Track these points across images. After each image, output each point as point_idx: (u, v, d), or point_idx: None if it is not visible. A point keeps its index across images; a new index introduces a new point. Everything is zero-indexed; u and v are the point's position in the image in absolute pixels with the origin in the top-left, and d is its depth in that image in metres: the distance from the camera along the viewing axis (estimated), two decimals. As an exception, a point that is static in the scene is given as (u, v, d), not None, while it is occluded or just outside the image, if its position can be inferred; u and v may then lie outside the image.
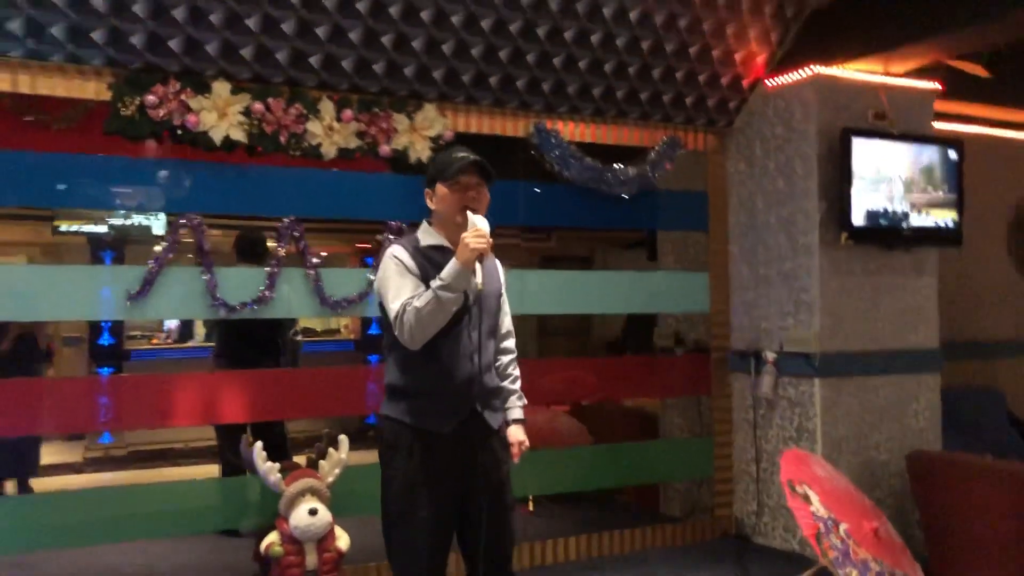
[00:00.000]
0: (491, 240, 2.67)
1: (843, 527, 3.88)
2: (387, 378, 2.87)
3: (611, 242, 11.73)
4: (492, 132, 4.89)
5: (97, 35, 3.86)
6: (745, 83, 5.25)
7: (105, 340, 9.26)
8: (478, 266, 2.61)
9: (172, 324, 10.54)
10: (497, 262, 3.06)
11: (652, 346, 6.16)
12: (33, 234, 9.25)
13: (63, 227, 8.80)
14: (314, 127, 4.36)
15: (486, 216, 2.76)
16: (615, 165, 5.12)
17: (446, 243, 2.82)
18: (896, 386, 5.15)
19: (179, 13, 3.91)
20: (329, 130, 4.39)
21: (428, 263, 2.77)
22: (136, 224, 8.46)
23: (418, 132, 4.61)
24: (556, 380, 5.74)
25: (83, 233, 8.93)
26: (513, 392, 3.06)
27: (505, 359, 3.06)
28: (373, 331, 10.86)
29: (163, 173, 4.29)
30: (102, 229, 8.84)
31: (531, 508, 6.16)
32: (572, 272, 5.63)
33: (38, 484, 6.26)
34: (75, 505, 4.32)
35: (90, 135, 4.22)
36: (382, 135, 4.52)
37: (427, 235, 2.88)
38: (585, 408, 6.90)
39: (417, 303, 2.64)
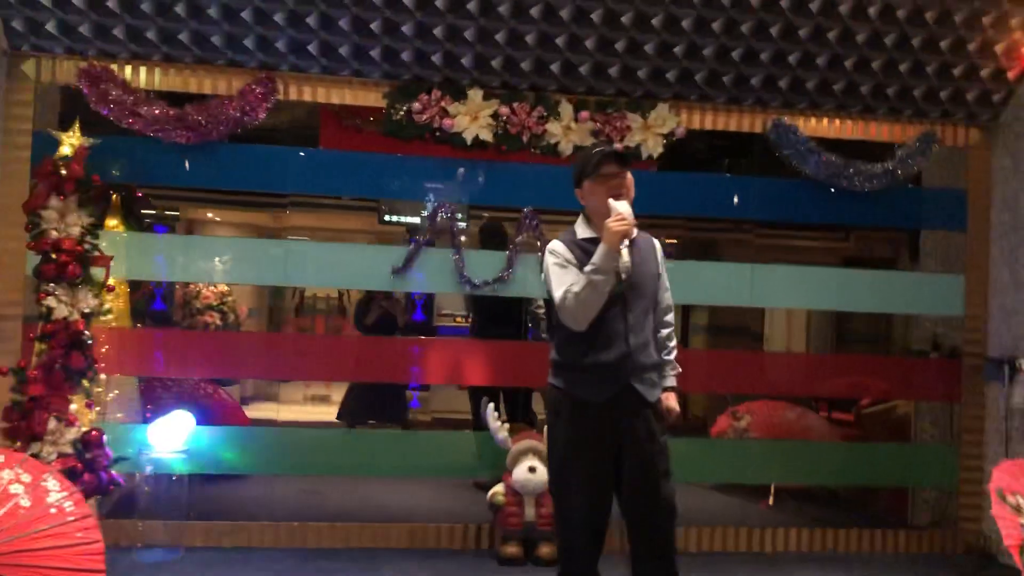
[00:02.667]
0: (633, 221, 2.95)
1: (1059, 545, 3.65)
2: (551, 354, 3.21)
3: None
4: (727, 128, 5.09)
5: (374, 53, 4.63)
6: (1011, 75, 4.94)
7: (418, 316, 10.52)
8: (625, 249, 2.92)
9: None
10: (656, 244, 3.26)
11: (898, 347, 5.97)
12: (366, 223, 10.69)
13: (387, 217, 10.07)
14: (553, 127, 4.85)
15: (634, 201, 3.05)
16: (858, 161, 5.07)
17: (598, 235, 3.07)
18: None
19: (439, 31, 4.57)
20: (567, 129, 4.87)
21: (584, 254, 3.06)
22: (444, 213, 9.53)
23: (651, 129, 4.94)
24: (801, 374, 5.75)
25: (403, 223, 10.17)
26: (667, 363, 3.27)
27: (664, 332, 3.27)
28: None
29: (456, 170, 5.00)
30: (415, 219, 10.02)
31: (771, 502, 6.22)
32: (819, 268, 5.58)
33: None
34: (358, 444, 5.27)
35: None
36: (615, 133, 4.90)
37: (582, 228, 3.16)
38: (863, 413, 6.77)
39: (575, 288, 2.98)
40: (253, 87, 4.65)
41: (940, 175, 5.72)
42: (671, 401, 3.24)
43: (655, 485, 3.13)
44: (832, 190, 5.15)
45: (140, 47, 4.55)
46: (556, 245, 3.13)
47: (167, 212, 10.69)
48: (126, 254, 4.81)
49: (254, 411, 11.00)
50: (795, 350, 10.84)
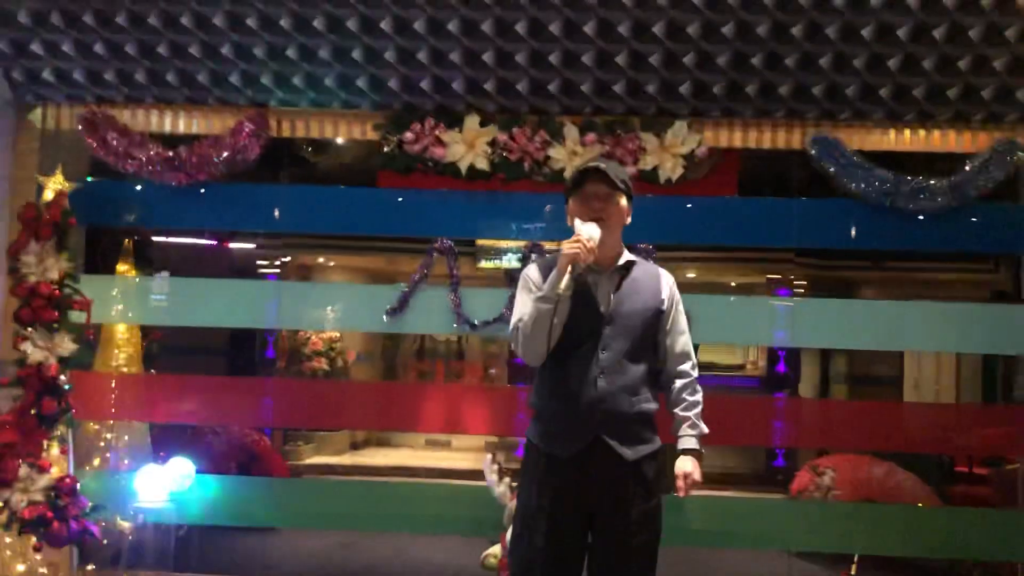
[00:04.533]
0: (591, 246, 2.55)
1: None
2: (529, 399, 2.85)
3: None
4: (760, 146, 4.52)
5: (360, 83, 4.41)
6: (1104, 63, 4.11)
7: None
8: (567, 277, 2.52)
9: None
10: (664, 277, 2.83)
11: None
12: (466, 268, 10.50)
13: (483, 263, 9.81)
14: (557, 152, 4.45)
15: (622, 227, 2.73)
16: (919, 177, 4.37)
17: None
18: None
19: (423, 56, 4.28)
20: (572, 154, 4.45)
21: None
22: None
23: (667, 150, 4.45)
24: (867, 425, 4.98)
25: (500, 268, 9.87)
26: (685, 420, 2.79)
27: (678, 383, 2.80)
28: (780, 368, 10.37)
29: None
30: (512, 261, 9.71)
31: (853, 572, 5.40)
32: (891, 303, 4.88)
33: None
34: (363, 496, 4.97)
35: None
36: (628, 155, 4.44)
37: None
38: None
39: (525, 318, 2.63)
40: (243, 124, 4.53)
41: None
42: (690, 465, 2.74)
43: (624, 563, 2.66)
44: (904, 213, 4.45)
45: (132, 90, 4.54)
46: (530, 268, 2.79)
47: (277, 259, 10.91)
48: (136, 299, 4.81)
49: (365, 457, 11.07)
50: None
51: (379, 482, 6.47)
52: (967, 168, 4.35)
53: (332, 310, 4.69)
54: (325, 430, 9.98)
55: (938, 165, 4.63)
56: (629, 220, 2.77)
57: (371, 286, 6.51)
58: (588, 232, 2.59)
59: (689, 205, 4.63)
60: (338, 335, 11.04)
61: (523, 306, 2.69)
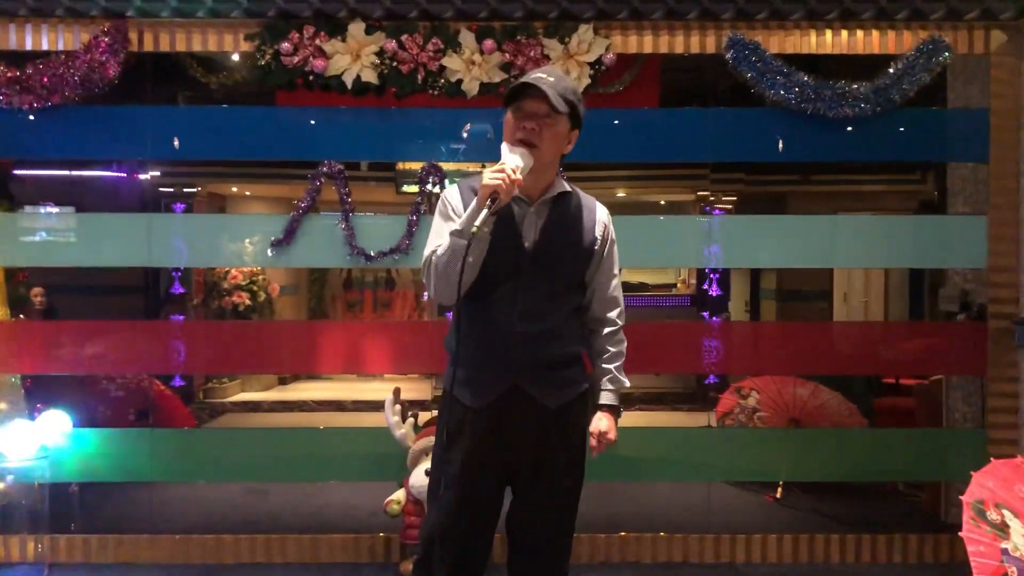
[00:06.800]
0: (515, 178, 2.20)
1: (1060, 579, 2.68)
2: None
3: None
4: (672, 51, 4.16)
5: (229, -13, 3.92)
6: (1035, -47, 3.83)
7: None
8: (484, 212, 2.17)
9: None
10: (600, 212, 2.49)
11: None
12: (382, 194, 10.04)
13: (404, 188, 9.38)
14: (452, 62, 4.04)
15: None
16: (839, 82, 4.07)
17: None
18: None
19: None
20: (470, 64, 4.05)
21: None
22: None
23: (574, 58, 4.07)
24: (792, 347, 4.77)
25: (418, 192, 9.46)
26: (605, 373, 2.51)
27: (604, 331, 2.52)
28: (714, 291, 10.19)
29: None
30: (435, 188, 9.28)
31: (779, 495, 5.29)
32: (809, 217, 4.62)
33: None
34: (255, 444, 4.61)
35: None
36: (531, 65, 4.05)
37: None
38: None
39: (440, 250, 2.29)
40: (99, 38, 4.02)
41: (968, 93, 4.64)
42: (603, 424, 2.47)
43: (545, 512, 2.45)
44: (827, 121, 4.16)
45: (-34, 1, 3.99)
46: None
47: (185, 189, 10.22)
48: (-4, 237, 4.34)
49: (293, 391, 10.70)
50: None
51: (282, 429, 6.14)
52: (891, 70, 4.07)
53: (214, 244, 4.25)
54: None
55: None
56: (571, 147, 2.41)
57: (253, 215, 5.96)
58: (514, 162, 2.23)
59: (599, 119, 4.28)
60: (258, 268, 10.54)
61: (439, 236, 2.34)
